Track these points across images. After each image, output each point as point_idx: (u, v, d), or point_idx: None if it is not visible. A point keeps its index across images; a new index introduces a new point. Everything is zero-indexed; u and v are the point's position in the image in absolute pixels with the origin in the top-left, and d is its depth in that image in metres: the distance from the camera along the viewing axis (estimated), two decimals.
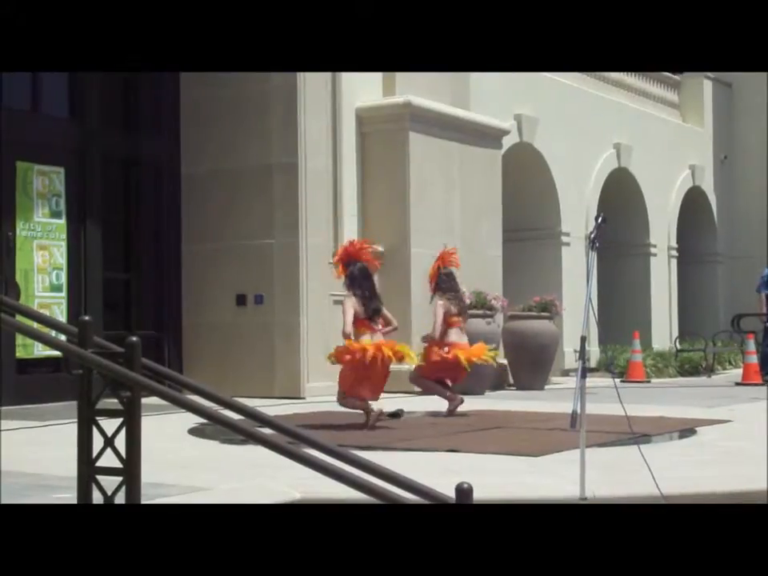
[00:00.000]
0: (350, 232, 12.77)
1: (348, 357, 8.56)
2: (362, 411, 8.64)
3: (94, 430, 3.59)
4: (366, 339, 8.64)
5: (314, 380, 11.88)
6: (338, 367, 8.91)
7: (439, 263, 10.16)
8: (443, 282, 10.00)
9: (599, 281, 16.48)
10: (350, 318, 8.65)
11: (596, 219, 5.90)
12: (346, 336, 8.67)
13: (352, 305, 8.70)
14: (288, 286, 12.01)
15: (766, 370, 15.33)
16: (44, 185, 11.30)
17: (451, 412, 9.67)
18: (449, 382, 9.97)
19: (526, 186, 16.69)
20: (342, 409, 8.97)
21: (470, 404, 10.15)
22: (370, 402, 8.62)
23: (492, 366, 11.24)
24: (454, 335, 9.88)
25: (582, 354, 5.33)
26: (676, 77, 21.44)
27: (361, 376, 8.56)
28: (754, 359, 15.08)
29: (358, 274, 8.87)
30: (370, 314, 8.76)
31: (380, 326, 8.83)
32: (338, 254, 9.21)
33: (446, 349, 9.80)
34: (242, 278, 12.26)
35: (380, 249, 12.80)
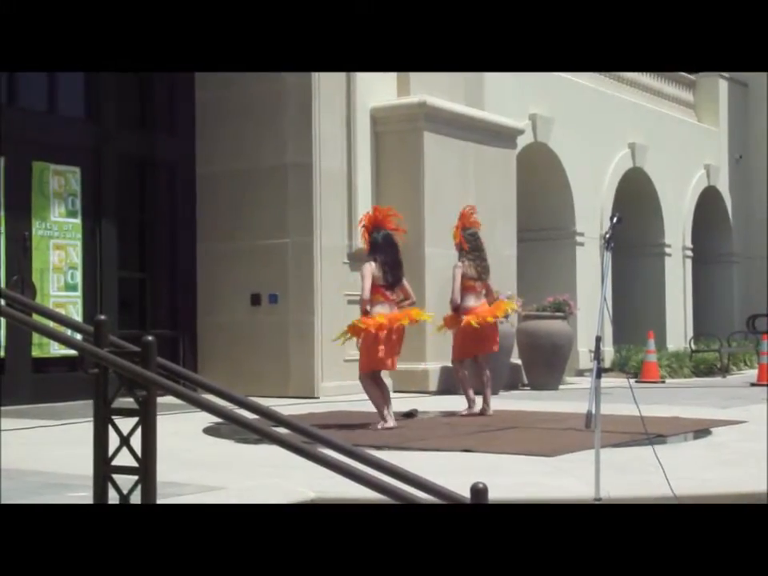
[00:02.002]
0: None
1: (364, 335, 8.52)
2: (375, 409, 8.60)
3: (110, 428, 3.60)
4: (381, 310, 8.57)
5: (328, 380, 11.89)
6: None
7: (462, 223, 10.11)
8: (468, 242, 9.97)
9: (613, 281, 16.44)
10: (368, 284, 8.55)
11: (611, 219, 5.88)
12: (363, 303, 8.58)
13: (371, 270, 8.59)
14: (302, 286, 12.03)
15: None
16: (60, 185, 11.34)
17: (465, 415, 9.64)
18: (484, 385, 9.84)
19: (541, 185, 16.66)
20: (357, 408, 8.95)
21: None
22: (385, 408, 8.54)
23: (509, 363, 11.15)
24: (471, 300, 9.84)
25: (597, 354, 5.32)
26: (691, 76, 21.37)
27: (377, 349, 8.51)
28: None
29: (381, 241, 8.75)
30: (389, 281, 8.66)
31: (396, 297, 8.72)
32: (363, 220, 9.08)
33: (462, 318, 9.77)
34: (256, 277, 12.28)
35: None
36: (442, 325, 10.14)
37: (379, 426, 8.42)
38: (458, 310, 9.82)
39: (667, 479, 5.28)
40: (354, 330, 8.68)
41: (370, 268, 8.60)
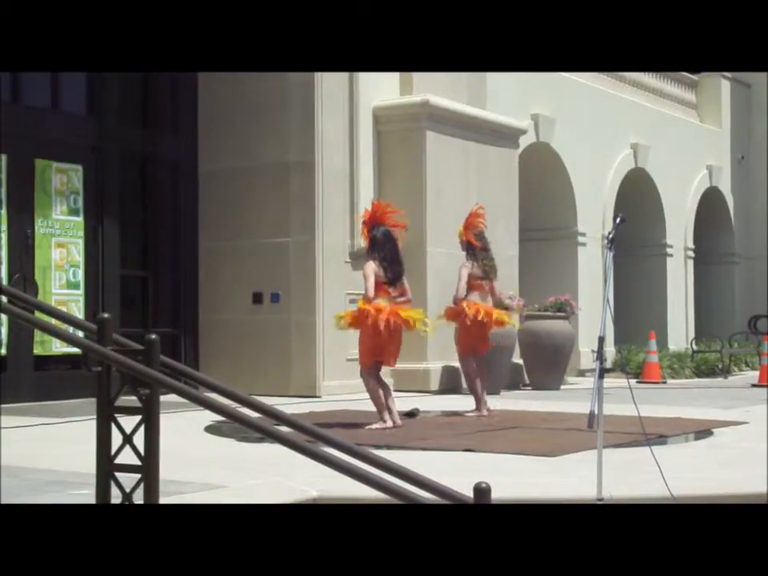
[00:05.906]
0: None
1: (363, 321, 8.52)
2: (376, 409, 8.58)
3: (113, 427, 3.61)
4: (382, 303, 8.59)
5: (329, 378, 11.89)
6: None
7: (470, 222, 10.11)
8: (478, 240, 9.96)
9: (615, 281, 16.40)
10: (371, 283, 8.58)
11: (614, 219, 5.88)
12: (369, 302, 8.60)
13: (372, 270, 8.62)
14: (304, 285, 12.03)
15: None
16: (62, 182, 11.34)
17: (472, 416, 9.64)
18: (481, 382, 9.84)
19: (543, 185, 16.65)
20: (359, 407, 8.91)
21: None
22: (385, 408, 8.53)
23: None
24: (476, 298, 9.83)
25: (600, 354, 5.32)
26: (694, 77, 21.36)
27: (376, 342, 8.51)
28: None
29: (380, 238, 8.77)
30: (390, 278, 8.68)
31: (396, 294, 8.72)
32: (364, 217, 9.10)
33: (464, 305, 9.75)
34: (258, 276, 12.28)
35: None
36: (442, 315, 10.13)
37: (375, 426, 8.42)
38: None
39: (665, 480, 5.27)
40: (355, 317, 8.68)
41: (372, 267, 8.61)
